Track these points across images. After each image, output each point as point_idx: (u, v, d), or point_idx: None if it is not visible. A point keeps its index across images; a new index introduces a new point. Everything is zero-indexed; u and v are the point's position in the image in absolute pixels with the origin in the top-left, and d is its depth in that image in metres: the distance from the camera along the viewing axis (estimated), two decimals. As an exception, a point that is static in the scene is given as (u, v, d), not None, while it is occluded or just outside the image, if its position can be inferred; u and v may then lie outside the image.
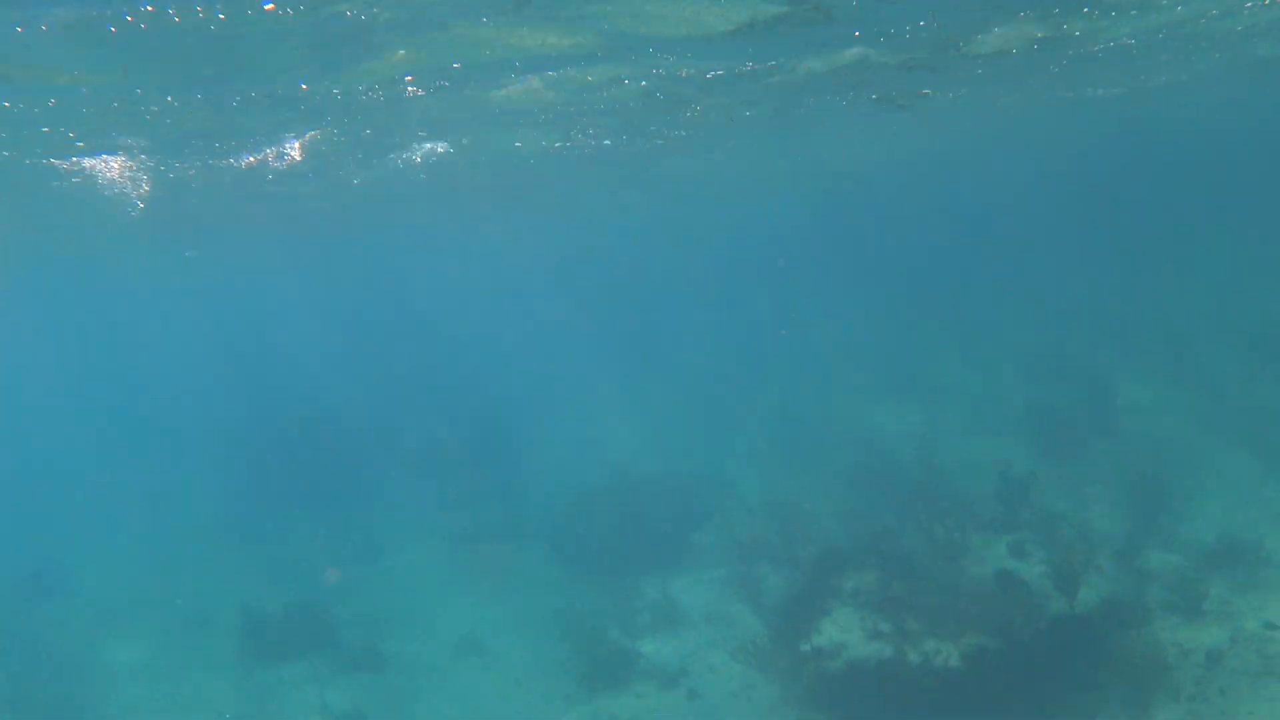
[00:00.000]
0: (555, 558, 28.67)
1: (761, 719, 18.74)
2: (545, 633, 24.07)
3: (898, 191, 68.20)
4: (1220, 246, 50.75)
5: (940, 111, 35.87)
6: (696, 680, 20.39)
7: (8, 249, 44.14)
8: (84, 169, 29.24)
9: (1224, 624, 17.53)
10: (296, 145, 29.96)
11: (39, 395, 73.24)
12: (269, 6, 15.51)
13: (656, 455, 34.88)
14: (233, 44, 17.52)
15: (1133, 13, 24.04)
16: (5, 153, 25.93)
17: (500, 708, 21.48)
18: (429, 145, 32.90)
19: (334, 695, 22.46)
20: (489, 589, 28.17)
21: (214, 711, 22.33)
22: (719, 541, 25.62)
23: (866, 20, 21.02)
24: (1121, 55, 29.40)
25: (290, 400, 42.49)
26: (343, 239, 57.35)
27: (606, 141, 35.82)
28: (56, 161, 27.82)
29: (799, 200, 68.70)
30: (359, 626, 26.32)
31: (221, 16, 15.68)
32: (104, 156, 28.08)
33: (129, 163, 29.29)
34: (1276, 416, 25.67)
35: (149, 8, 14.89)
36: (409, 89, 22.99)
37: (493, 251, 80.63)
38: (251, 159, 31.27)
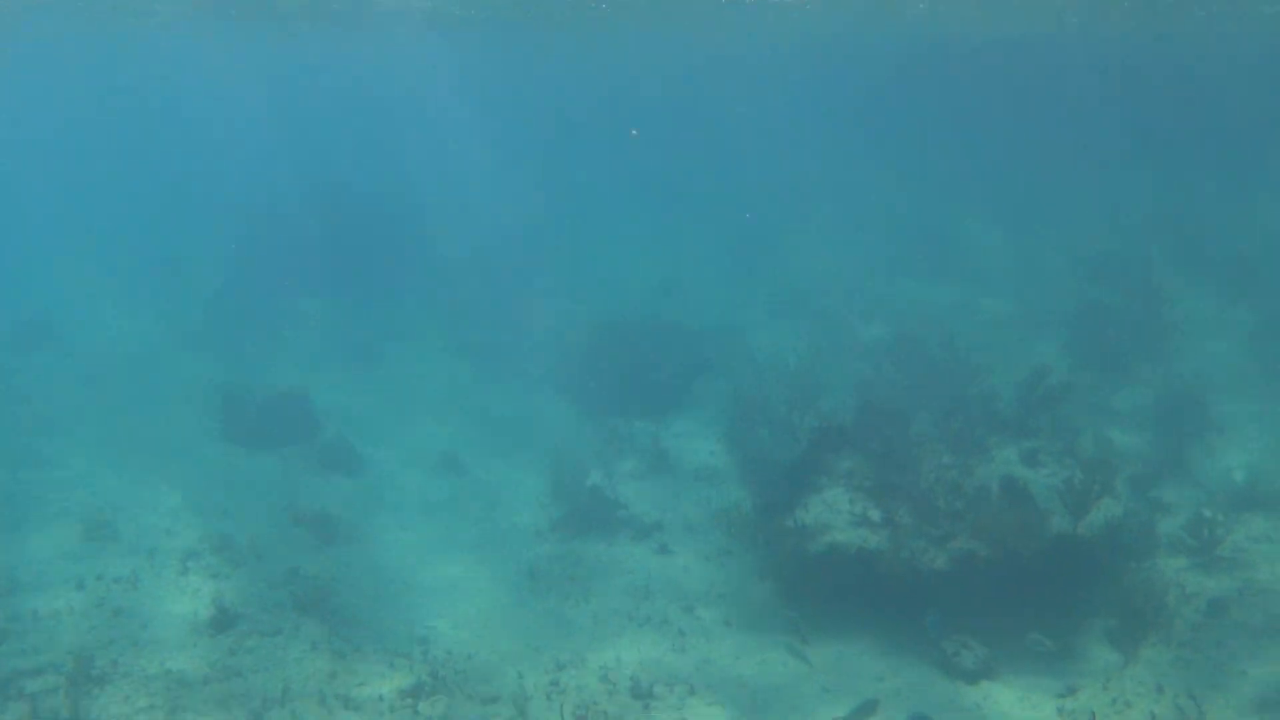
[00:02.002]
0: (553, 389, 27.73)
1: (731, 586, 17.95)
2: (528, 464, 23.32)
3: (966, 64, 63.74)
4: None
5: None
6: (671, 536, 19.59)
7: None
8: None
9: (1235, 573, 16.34)
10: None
11: (56, 159, 71.72)
12: None
13: (671, 302, 33.60)
14: None
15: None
16: None
17: (466, 532, 20.86)
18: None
19: (305, 492, 21.85)
20: (482, 410, 27.40)
21: (182, 485, 21.84)
22: (720, 397, 24.52)
23: None
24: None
25: (313, 187, 40.86)
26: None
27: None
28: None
29: (862, 64, 64.91)
30: (344, 427, 25.64)
31: None
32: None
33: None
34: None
35: None
36: None
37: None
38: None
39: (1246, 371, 24.60)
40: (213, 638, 15.75)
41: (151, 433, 25.27)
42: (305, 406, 25.62)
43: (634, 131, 76.41)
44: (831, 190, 41.74)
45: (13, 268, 40.12)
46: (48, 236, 44.74)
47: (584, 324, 29.44)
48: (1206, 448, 20.97)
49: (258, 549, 18.74)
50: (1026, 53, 53.68)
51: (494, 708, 14.57)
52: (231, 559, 18.36)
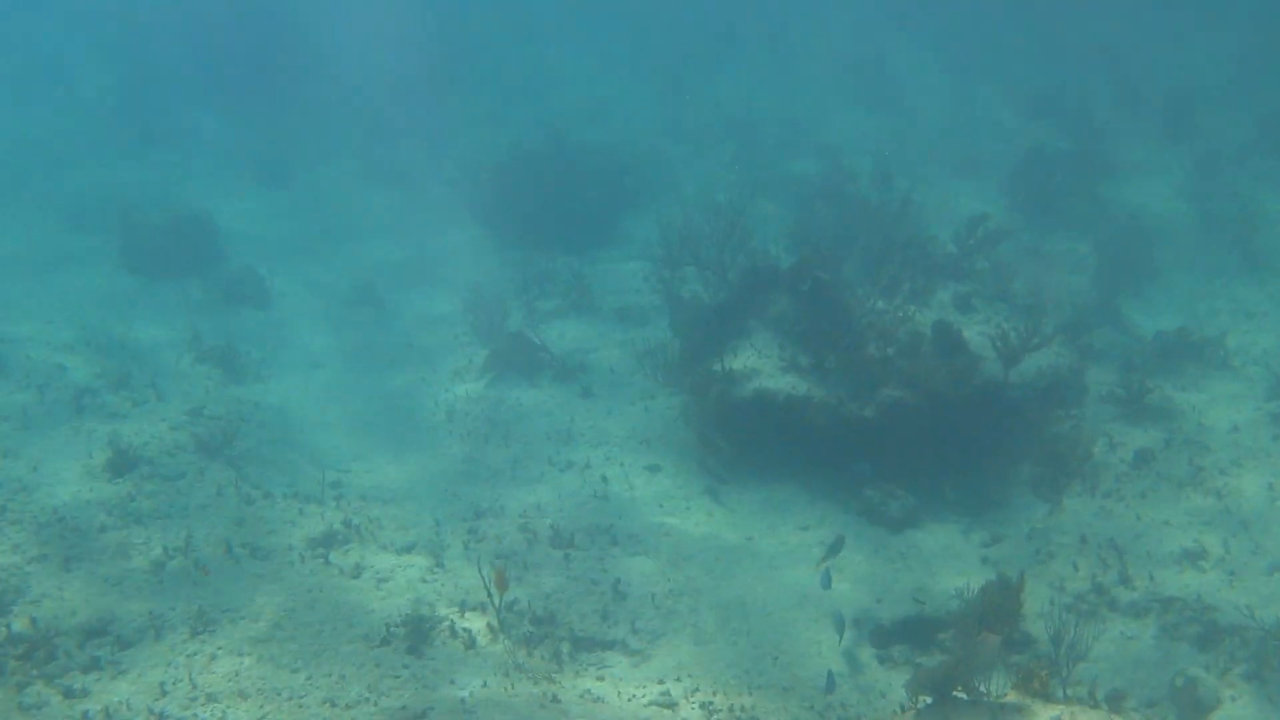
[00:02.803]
0: (474, 220, 26.53)
1: (655, 431, 17.47)
2: (448, 299, 22.32)
3: None
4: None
5: None
6: (595, 378, 18.97)
7: None
8: None
9: (1162, 423, 16.28)
10: None
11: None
12: None
13: (600, 126, 32.16)
14: None
15: None
16: None
17: (383, 370, 20.04)
18: None
19: (210, 326, 20.69)
20: (398, 240, 26.19)
21: (76, 316, 20.56)
22: (647, 233, 23.60)
23: None
24: None
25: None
26: None
27: None
28: None
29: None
30: (252, 255, 24.31)
31: None
32: None
33: None
34: (1268, 215, 23.54)
35: None
36: None
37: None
38: None
39: (1183, 216, 24.28)
40: (110, 482, 14.88)
41: (41, 257, 23.74)
42: (210, 232, 24.24)
43: None
44: (767, 18, 39.83)
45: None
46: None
47: (506, 151, 28.04)
48: (1140, 295, 20.76)
49: (158, 387, 17.73)
50: None
51: (408, 558, 14.07)
52: (130, 397, 17.37)
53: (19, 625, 11.68)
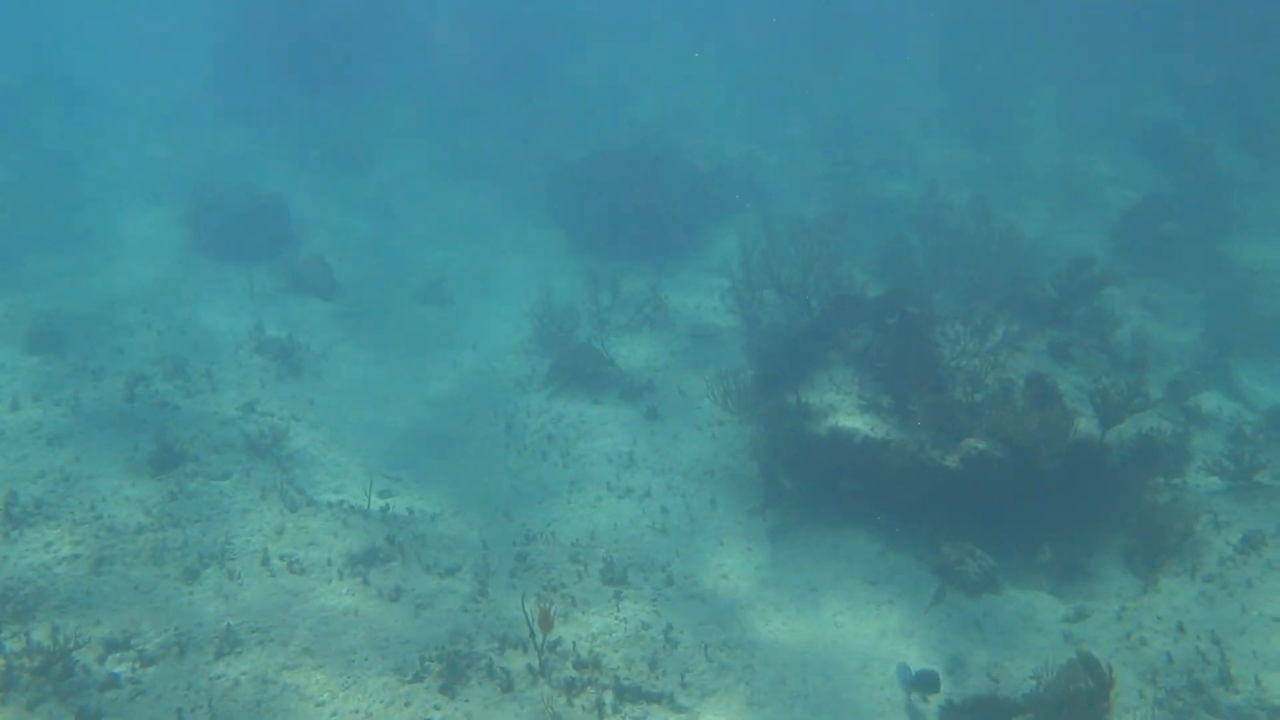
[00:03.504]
0: (552, 221, 25.85)
1: (721, 462, 16.56)
2: (518, 302, 21.59)
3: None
4: None
5: None
6: (663, 399, 18.09)
7: None
8: None
9: (1274, 502, 14.83)
10: None
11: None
12: None
13: (688, 130, 31.14)
14: None
15: None
16: None
17: (445, 374, 19.40)
18: None
19: (273, 315, 20.25)
20: (474, 238, 25.57)
21: (140, 296, 20.21)
22: (729, 247, 22.66)
23: None
24: None
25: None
26: None
27: None
28: None
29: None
30: (322, 244, 23.87)
31: None
32: None
33: None
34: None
35: None
36: None
37: None
38: None
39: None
40: (153, 478, 14.38)
41: (112, 232, 23.51)
42: (282, 218, 23.83)
43: None
44: (873, 28, 38.32)
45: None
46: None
47: (590, 149, 27.28)
48: (1255, 358, 19.21)
49: (214, 378, 17.26)
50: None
51: (451, 582, 13.34)
52: (183, 387, 16.89)
53: (39, 634, 11.16)
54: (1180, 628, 12.82)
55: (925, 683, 12.02)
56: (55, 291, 20.21)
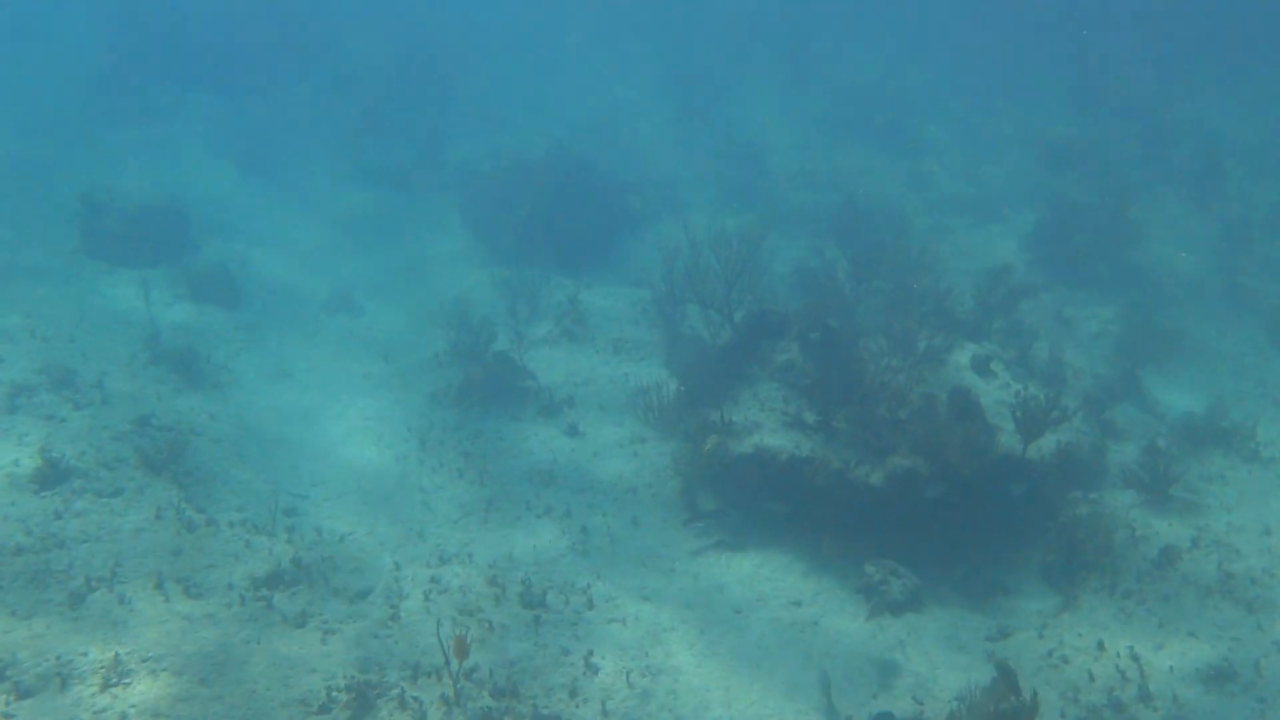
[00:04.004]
0: (466, 229, 25.25)
1: (643, 479, 16.13)
2: (431, 313, 20.92)
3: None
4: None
5: None
6: (582, 415, 17.60)
7: None
8: None
9: (1189, 518, 14.98)
10: None
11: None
12: None
13: (605, 140, 30.81)
14: None
15: None
16: None
17: (353, 387, 18.68)
18: None
19: (170, 323, 19.29)
20: (384, 246, 24.89)
21: (23, 303, 19.01)
22: (649, 258, 22.30)
23: None
24: None
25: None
26: None
27: None
28: None
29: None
30: (224, 249, 22.91)
31: None
32: None
33: None
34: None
35: None
36: None
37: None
38: None
39: (1211, 287, 22.97)
40: (36, 495, 13.39)
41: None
42: (180, 222, 22.77)
43: None
44: (785, 41, 38.39)
45: None
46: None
47: (504, 158, 26.74)
48: (1163, 368, 19.47)
49: (105, 389, 16.25)
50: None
51: (361, 606, 12.67)
52: (72, 399, 15.84)
53: (-94, 664, 10.24)
54: (1100, 645, 12.79)
55: None
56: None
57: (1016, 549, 14.84)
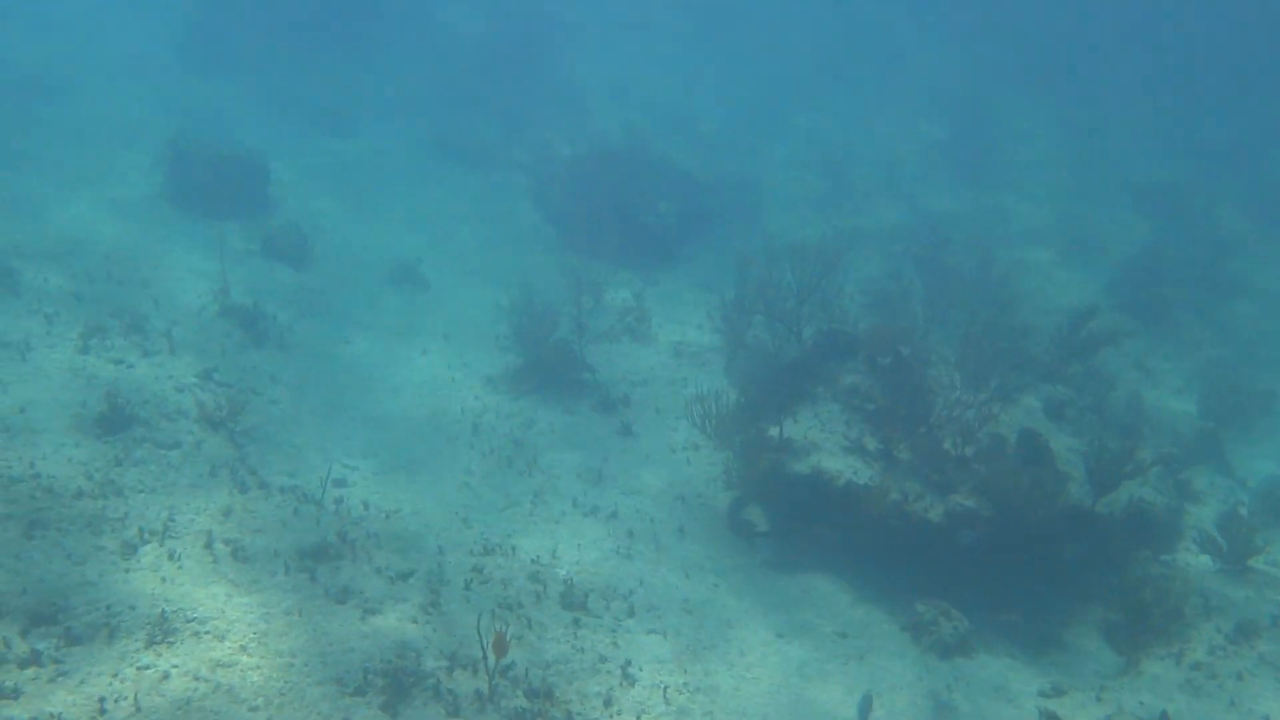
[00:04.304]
0: (540, 213, 25.10)
1: (694, 489, 15.92)
2: (495, 293, 20.83)
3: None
4: None
5: None
6: (637, 416, 17.41)
7: None
8: None
9: (1269, 591, 14.39)
10: None
11: None
12: None
13: (685, 137, 30.50)
14: None
15: None
16: None
17: (412, 360, 18.62)
18: None
19: (239, 276, 19.34)
20: (457, 220, 24.77)
21: (105, 244, 19.15)
22: (719, 262, 22.02)
23: None
24: None
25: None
26: None
27: None
28: None
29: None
30: (299, 209, 22.96)
31: None
32: None
33: None
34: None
35: None
36: None
37: None
38: None
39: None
40: (99, 439, 13.44)
41: (83, 170, 22.43)
42: (259, 177, 22.86)
43: None
44: (879, 55, 37.76)
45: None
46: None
47: (584, 144, 26.55)
48: (1251, 433, 18.82)
49: (173, 339, 16.31)
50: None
51: (401, 588, 12.54)
52: (141, 345, 15.91)
53: (-41, 598, 10.26)
54: (1165, 718, 12.33)
55: None
56: (14, 223, 19.15)
57: (1075, 603, 14.45)
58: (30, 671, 9.74)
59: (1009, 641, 13.93)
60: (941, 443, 15.24)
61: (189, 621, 10.83)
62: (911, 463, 15.07)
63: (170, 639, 10.55)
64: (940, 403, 15.76)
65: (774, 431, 15.47)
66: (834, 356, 16.82)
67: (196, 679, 10.12)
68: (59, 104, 26.21)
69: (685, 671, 12.23)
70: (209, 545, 12.12)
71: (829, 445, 15.29)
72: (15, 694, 9.41)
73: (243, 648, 10.68)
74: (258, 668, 10.49)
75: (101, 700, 9.56)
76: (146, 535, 11.98)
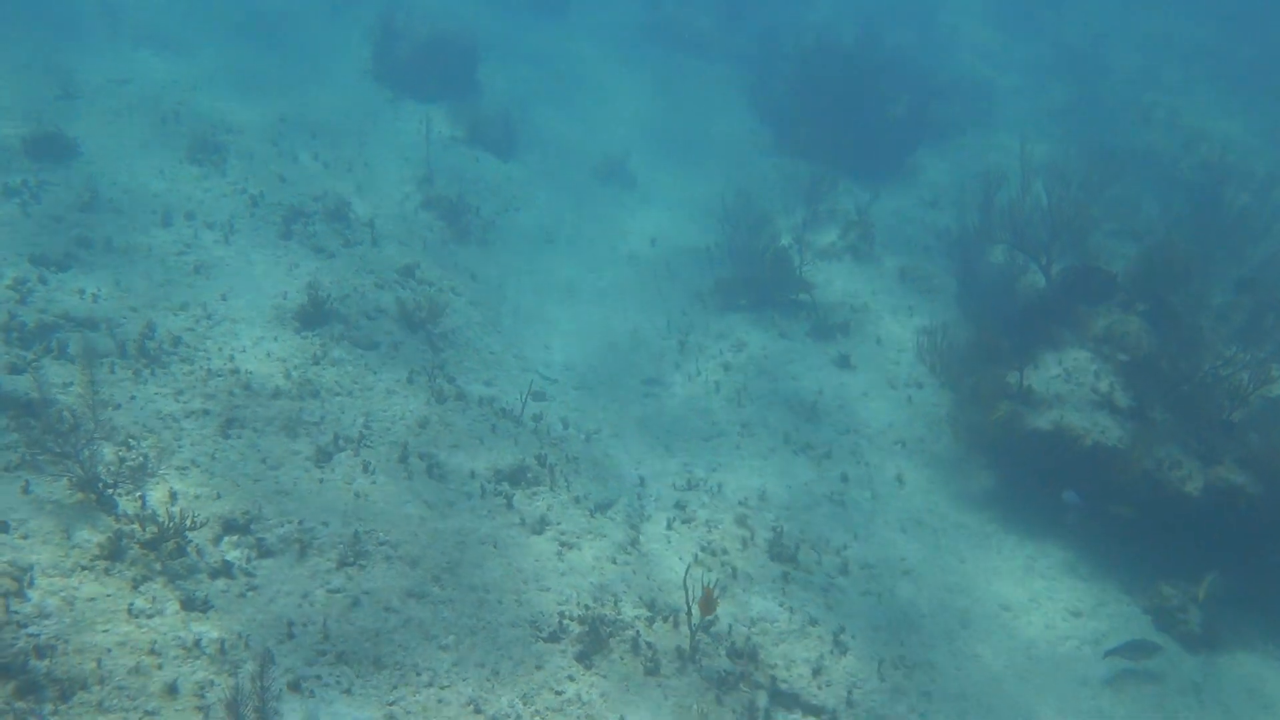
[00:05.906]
0: (753, 106, 23.47)
1: (915, 431, 14.56)
2: (707, 195, 19.54)
3: None
4: None
5: None
6: (856, 346, 15.99)
7: None
8: None
9: None
10: None
11: None
12: None
13: (923, 37, 27.98)
14: None
15: None
16: None
17: (618, 268, 17.63)
18: None
19: (446, 164, 18.61)
20: (668, 113, 23.44)
21: (313, 120, 18.69)
22: (950, 178, 20.06)
23: None
24: None
25: None
26: None
27: None
28: None
29: None
30: (506, 94, 22.03)
31: None
32: None
33: None
34: None
35: None
36: None
37: None
38: None
39: None
40: (297, 334, 12.98)
41: (296, 41, 22.02)
42: (469, 59, 21.93)
43: None
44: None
45: None
46: None
47: (810, 36, 24.51)
48: None
49: (375, 230, 15.73)
50: None
51: (602, 522, 11.74)
52: (342, 233, 15.40)
53: (156, 496, 9.89)
54: None
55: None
56: (223, 88, 18.85)
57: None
58: (221, 583, 9.34)
59: (1264, 638, 12.25)
60: (1206, 405, 13.33)
61: (381, 544, 10.27)
62: (1169, 426, 13.25)
63: (362, 561, 10.01)
64: (1208, 359, 13.77)
65: (1012, 378, 13.86)
66: (1086, 299, 14.93)
67: (387, 610, 9.57)
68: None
69: (902, 644, 11.09)
70: (404, 459, 11.53)
71: (1074, 399, 13.59)
72: (205, 606, 9.01)
73: (435, 578, 10.08)
74: (449, 601, 9.89)
75: (290, 624, 9.09)
76: (342, 443, 11.47)
